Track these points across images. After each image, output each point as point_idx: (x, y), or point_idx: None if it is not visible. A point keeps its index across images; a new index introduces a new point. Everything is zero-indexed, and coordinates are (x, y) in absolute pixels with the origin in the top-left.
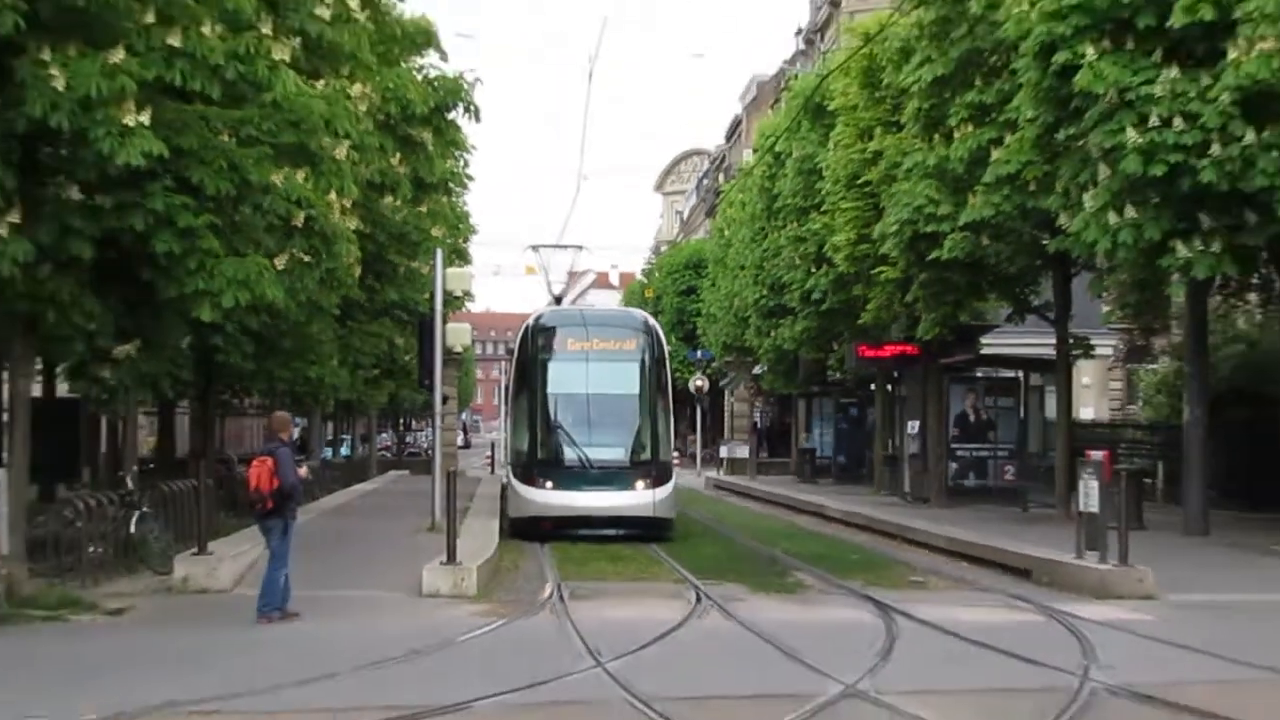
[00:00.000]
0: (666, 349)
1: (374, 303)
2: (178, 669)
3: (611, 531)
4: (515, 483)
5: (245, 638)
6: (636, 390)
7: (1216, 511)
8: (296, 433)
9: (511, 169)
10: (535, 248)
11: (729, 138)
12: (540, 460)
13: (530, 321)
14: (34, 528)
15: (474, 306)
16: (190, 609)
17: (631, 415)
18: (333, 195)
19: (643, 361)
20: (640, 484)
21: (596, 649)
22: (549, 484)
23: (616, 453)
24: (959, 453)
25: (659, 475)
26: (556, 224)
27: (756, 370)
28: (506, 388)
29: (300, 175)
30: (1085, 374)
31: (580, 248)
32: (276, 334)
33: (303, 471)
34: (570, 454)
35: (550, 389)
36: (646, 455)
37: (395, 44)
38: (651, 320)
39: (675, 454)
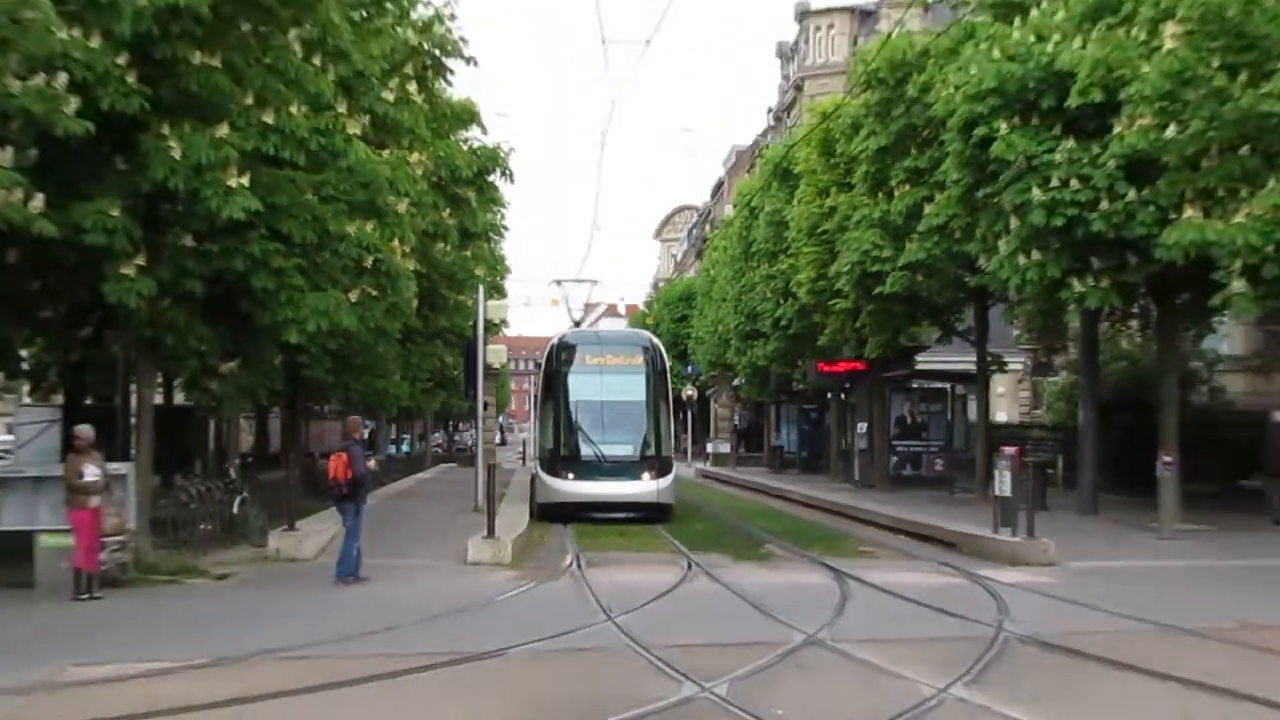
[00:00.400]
0: (668, 363)
1: (428, 328)
2: (271, 622)
3: (622, 514)
4: (542, 474)
5: (325, 598)
6: (643, 397)
7: (1105, 496)
8: (366, 433)
9: (539, 219)
10: (559, 282)
11: (714, 195)
12: (563, 456)
13: (554, 341)
14: (156, 509)
15: (509, 331)
16: (281, 575)
17: (639, 418)
18: (395, 242)
19: (648, 374)
20: (646, 475)
21: (608, 606)
22: (570, 475)
23: (626, 449)
24: (899, 448)
25: (662, 468)
26: (575, 264)
27: (736, 382)
28: (535, 396)
29: (369, 226)
30: (1000, 385)
31: (595, 282)
32: (350, 353)
33: (371, 464)
34: (588, 450)
35: (571, 397)
36: (651, 451)
37: (446, 120)
38: (655, 340)
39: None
